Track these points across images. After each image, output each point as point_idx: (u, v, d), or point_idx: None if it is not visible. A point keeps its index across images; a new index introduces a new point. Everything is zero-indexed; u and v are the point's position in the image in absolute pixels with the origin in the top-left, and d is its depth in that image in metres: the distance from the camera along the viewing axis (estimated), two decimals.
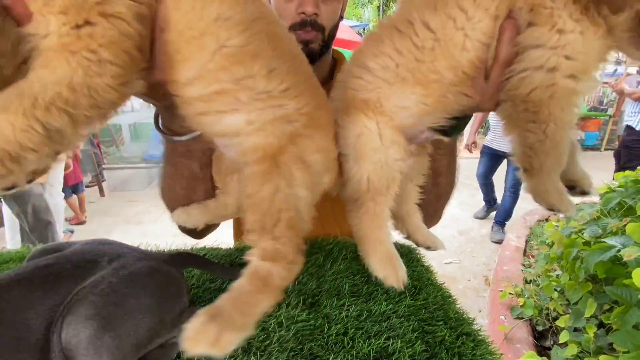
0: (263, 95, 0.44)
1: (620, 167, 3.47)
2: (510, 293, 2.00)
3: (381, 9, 13.61)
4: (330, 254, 0.72)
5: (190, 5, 0.39)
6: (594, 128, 6.78)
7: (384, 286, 0.62)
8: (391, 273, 0.55)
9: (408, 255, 0.73)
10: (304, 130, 0.47)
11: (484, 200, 3.88)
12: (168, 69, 0.41)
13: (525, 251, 2.80)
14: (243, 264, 0.45)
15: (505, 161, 3.32)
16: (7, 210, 2.92)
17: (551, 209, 0.50)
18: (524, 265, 2.54)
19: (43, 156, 0.35)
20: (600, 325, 1.27)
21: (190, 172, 0.63)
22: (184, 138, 0.57)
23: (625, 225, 1.23)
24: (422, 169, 0.66)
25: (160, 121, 0.59)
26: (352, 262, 0.69)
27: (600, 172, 3.51)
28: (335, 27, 0.79)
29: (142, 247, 0.64)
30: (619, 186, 1.53)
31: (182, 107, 0.44)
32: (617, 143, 7.08)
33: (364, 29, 7.58)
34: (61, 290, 0.41)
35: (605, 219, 1.33)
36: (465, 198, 4.34)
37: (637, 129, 3.20)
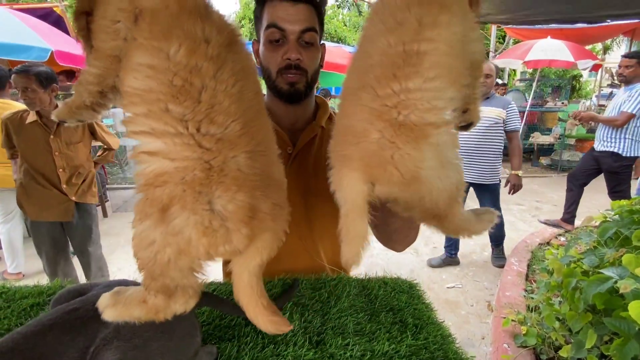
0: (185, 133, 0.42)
1: (610, 192, 3.53)
2: (513, 320, 2.00)
3: None
4: (334, 291, 0.75)
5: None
6: (586, 150, 6.86)
7: (386, 325, 0.65)
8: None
9: (409, 292, 0.76)
10: (181, 182, 0.41)
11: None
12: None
13: (527, 276, 2.80)
14: None
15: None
16: (4, 235, 2.93)
17: (475, 235, 0.53)
18: (526, 290, 2.54)
19: None
20: (602, 355, 1.27)
21: None
22: None
23: (621, 255, 1.26)
24: None
25: None
26: (355, 299, 0.73)
27: (598, 193, 3.51)
28: (316, 72, 0.90)
29: None
30: (616, 214, 1.57)
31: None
32: None
33: None
34: (88, 333, 0.44)
35: (602, 248, 1.36)
36: None
37: (624, 154, 3.28)
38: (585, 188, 3.80)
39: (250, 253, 0.46)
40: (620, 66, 3.38)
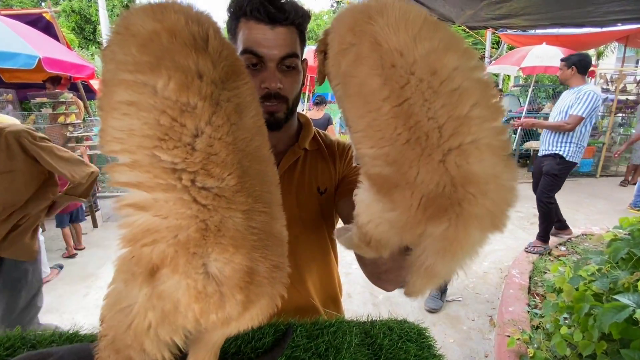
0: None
1: (541, 192, 3.50)
2: (518, 339, 1.92)
3: None
4: (333, 341, 0.66)
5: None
6: (589, 155, 6.86)
7: None
8: None
9: (418, 341, 0.67)
10: (174, 242, 0.36)
11: None
12: None
13: (529, 289, 2.73)
14: (237, 355, 0.40)
15: None
16: None
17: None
18: (529, 305, 2.46)
19: None
20: None
21: None
22: None
23: (637, 280, 1.18)
24: None
25: None
26: (357, 351, 0.64)
27: (597, 199, 3.48)
28: (298, 96, 0.82)
29: None
30: (626, 227, 1.50)
31: None
32: (612, 169, 7.19)
33: None
34: None
35: (614, 271, 1.29)
36: None
37: (567, 159, 3.23)
38: (588, 193, 3.77)
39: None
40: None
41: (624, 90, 7.46)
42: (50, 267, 3.17)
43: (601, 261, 1.38)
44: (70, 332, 0.71)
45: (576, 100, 3.12)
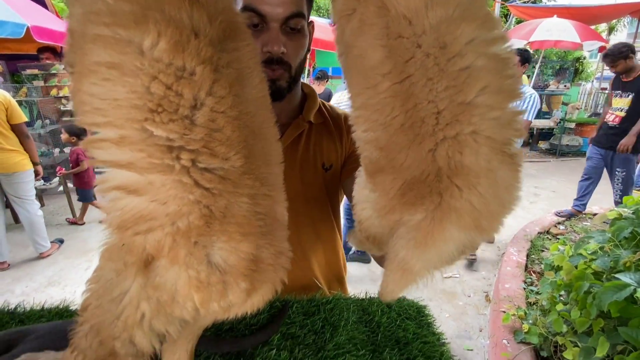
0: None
1: None
2: (513, 315, 1.95)
3: None
4: (329, 318, 0.65)
5: None
6: (593, 134, 6.76)
7: None
8: None
9: (417, 319, 0.65)
10: (173, 229, 0.32)
11: None
12: None
13: (526, 266, 2.75)
14: (231, 332, 0.39)
15: None
16: None
17: None
18: (525, 282, 2.49)
19: None
20: None
21: None
22: None
23: (639, 259, 1.17)
24: None
25: None
26: (354, 329, 0.62)
27: (601, 179, 3.46)
28: (302, 63, 0.75)
29: None
30: (631, 205, 1.47)
31: None
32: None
33: None
34: None
35: (616, 250, 1.27)
36: None
37: None
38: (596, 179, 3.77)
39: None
40: None
41: None
42: (51, 242, 3.18)
43: (603, 240, 1.36)
44: (60, 306, 0.70)
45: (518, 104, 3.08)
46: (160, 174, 0.31)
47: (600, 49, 6.03)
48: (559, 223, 3.52)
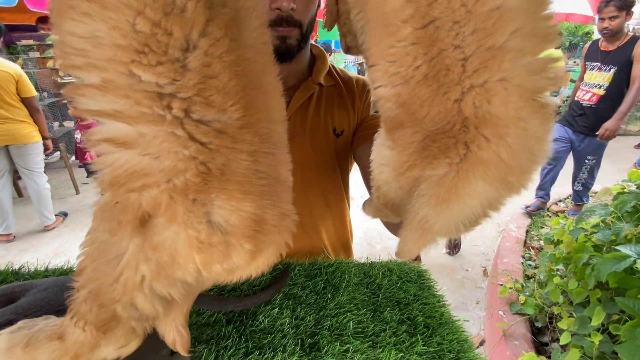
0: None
1: None
2: (510, 288, 1.98)
3: None
4: (331, 280, 0.65)
5: None
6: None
7: (392, 325, 0.55)
8: None
9: (418, 282, 0.66)
10: (169, 186, 0.30)
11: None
12: None
13: (525, 242, 2.77)
14: (234, 292, 0.39)
15: None
16: None
17: None
18: (523, 257, 2.52)
19: None
20: (604, 331, 1.24)
21: None
22: None
23: None
24: None
25: None
26: (355, 290, 0.63)
27: (603, 158, 3.44)
28: (313, 20, 0.71)
29: None
30: (635, 180, 1.46)
31: None
32: (621, 127, 6.98)
33: None
34: None
35: (618, 223, 1.27)
36: None
37: None
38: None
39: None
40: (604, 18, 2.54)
41: None
42: (55, 215, 3.21)
43: (605, 214, 1.36)
44: (65, 267, 0.70)
45: None
46: (151, 125, 0.28)
47: None
48: (559, 200, 3.52)
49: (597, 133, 2.69)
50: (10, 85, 2.55)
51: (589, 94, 2.73)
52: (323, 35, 6.23)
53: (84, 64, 0.29)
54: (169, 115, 0.28)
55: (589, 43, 2.87)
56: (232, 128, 0.31)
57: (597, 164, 2.89)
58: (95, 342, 0.34)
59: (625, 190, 1.41)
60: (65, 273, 0.69)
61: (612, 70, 2.57)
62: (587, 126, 2.76)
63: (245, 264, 0.33)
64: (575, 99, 2.86)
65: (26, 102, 2.68)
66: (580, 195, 3.11)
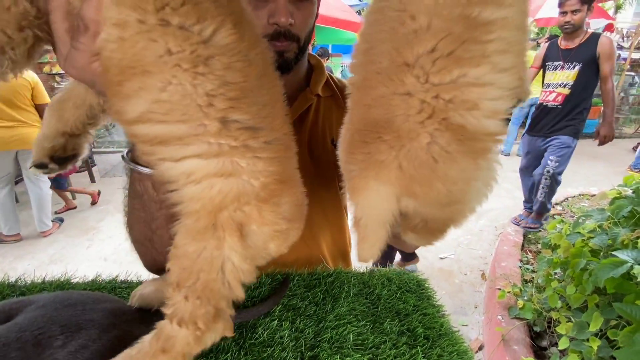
0: (222, 143, 0.35)
1: None
2: (508, 292, 1.99)
3: None
4: (330, 290, 0.65)
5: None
6: (594, 115, 6.69)
7: (392, 336, 0.55)
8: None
9: (417, 292, 0.66)
10: (255, 199, 0.38)
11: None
12: (109, 96, 0.35)
13: (523, 245, 2.78)
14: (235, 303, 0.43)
15: None
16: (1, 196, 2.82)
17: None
18: (521, 261, 2.53)
19: None
20: (602, 336, 1.24)
21: (144, 190, 0.52)
22: (141, 169, 0.46)
23: (637, 237, 1.17)
24: None
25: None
26: (355, 301, 0.62)
27: (598, 160, 3.42)
28: (310, 33, 0.71)
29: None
30: (631, 184, 1.47)
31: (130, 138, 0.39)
32: (617, 130, 7.04)
33: (362, 9, 7.19)
34: None
35: (615, 228, 1.27)
36: None
37: None
38: (592, 155, 3.49)
39: None
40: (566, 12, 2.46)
41: (639, 48, 7.09)
42: (52, 221, 3.19)
43: (602, 218, 1.37)
44: (62, 279, 0.70)
45: None
46: (232, 156, 0.35)
47: (607, 27, 5.88)
48: (556, 203, 3.54)
49: (596, 140, 2.66)
50: (26, 92, 2.66)
51: (554, 94, 2.65)
52: (320, 40, 6.26)
53: (167, 133, 0.34)
54: (253, 143, 0.36)
55: (546, 44, 2.78)
56: (284, 141, 0.40)
57: (560, 169, 2.69)
58: (200, 336, 0.40)
59: (622, 195, 1.42)
60: (62, 284, 0.69)
61: (577, 68, 2.51)
62: (552, 126, 2.69)
63: (294, 240, 0.44)
64: (539, 101, 2.78)
65: (39, 108, 2.76)
66: (541, 208, 2.89)
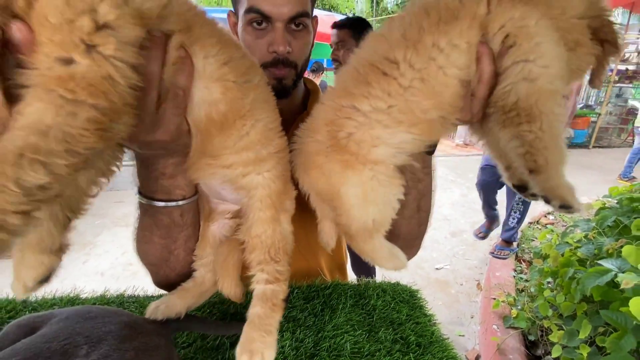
0: (275, 153, 0.54)
1: None
2: (502, 301, 2.02)
3: (374, 0, 13.45)
4: (328, 302, 0.69)
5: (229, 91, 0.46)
6: (584, 126, 6.87)
7: (386, 344, 0.59)
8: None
9: (410, 302, 0.70)
10: (287, 183, 0.57)
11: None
12: (199, 141, 0.48)
13: (516, 255, 2.83)
14: (237, 316, 0.49)
15: None
16: None
17: (563, 206, 0.51)
18: (515, 270, 2.57)
19: (33, 220, 0.30)
20: (591, 344, 1.28)
21: (171, 220, 0.58)
22: (174, 204, 0.55)
23: (621, 246, 1.23)
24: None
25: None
26: (351, 312, 0.66)
27: (589, 170, 3.50)
28: (307, 60, 0.77)
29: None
30: (615, 195, 1.54)
31: (207, 169, 0.51)
32: (606, 140, 7.23)
33: None
34: None
35: (600, 238, 1.33)
36: (457, 198, 4.36)
37: None
38: (581, 164, 3.52)
39: None
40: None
41: (624, 60, 7.33)
42: None
43: (588, 228, 1.42)
44: (72, 295, 0.73)
45: None
46: (273, 169, 0.55)
47: None
48: (548, 213, 3.61)
49: None
50: None
51: None
52: (315, 54, 6.40)
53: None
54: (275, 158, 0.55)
55: None
56: (286, 153, 0.59)
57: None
58: (285, 287, 0.56)
59: (606, 205, 1.49)
60: (72, 299, 0.72)
61: None
62: None
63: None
64: None
65: None
66: (510, 235, 2.89)
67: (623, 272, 1.09)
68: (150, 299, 0.71)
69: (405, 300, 0.70)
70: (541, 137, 0.47)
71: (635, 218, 1.30)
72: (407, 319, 0.65)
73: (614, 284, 1.15)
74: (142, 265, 0.64)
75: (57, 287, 0.74)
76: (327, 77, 6.84)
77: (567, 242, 1.48)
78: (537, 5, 0.44)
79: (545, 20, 0.44)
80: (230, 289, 0.57)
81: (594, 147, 6.94)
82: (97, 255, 3.15)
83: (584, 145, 6.96)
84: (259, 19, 0.66)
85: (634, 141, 5.01)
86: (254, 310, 0.52)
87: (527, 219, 3.46)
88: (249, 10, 0.66)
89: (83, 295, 0.73)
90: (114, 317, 0.48)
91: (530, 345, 1.84)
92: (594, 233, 1.35)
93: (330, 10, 11.78)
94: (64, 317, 0.46)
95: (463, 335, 2.27)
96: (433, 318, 0.67)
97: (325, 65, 6.56)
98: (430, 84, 0.48)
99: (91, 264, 3.01)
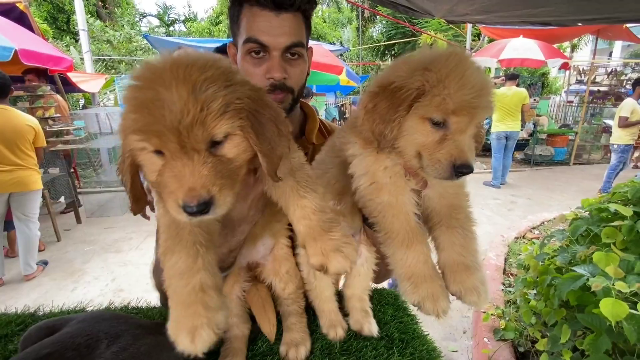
0: None
1: None
2: (492, 314, 2.07)
3: (360, 29, 14.15)
4: None
5: None
6: (563, 144, 7.18)
7: (373, 341, 0.65)
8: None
9: (394, 304, 0.76)
10: None
11: None
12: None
13: (504, 269, 2.90)
14: None
15: None
16: None
17: None
18: (504, 284, 2.63)
19: None
20: (575, 349, 1.34)
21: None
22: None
23: (592, 253, 1.32)
24: None
25: None
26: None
27: (570, 185, 3.64)
28: (303, 86, 0.82)
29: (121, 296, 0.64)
30: (586, 207, 1.65)
31: None
32: (585, 157, 7.56)
33: (341, 54, 7.71)
34: None
35: (573, 246, 1.42)
36: None
37: None
38: (562, 180, 3.70)
39: None
40: None
41: (595, 82, 7.81)
42: (36, 264, 3.13)
43: (563, 238, 1.52)
44: (78, 308, 0.77)
45: None
46: None
47: (563, 65, 6.49)
48: (533, 228, 3.72)
49: None
50: (30, 136, 2.85)
51: None
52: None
53: None
54: None
55: None
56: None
57: None
58: None
59: (579, 216, 1.59)
60: (78, 312, 0.76)
61: None
62: None
63: None
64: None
65: (38, 151, 2.96)
66: None
67: (594, 277, 1.18)
68: (153, 310, 0.76)
69: (390, 302, 0.77)
70: None
71: (604, 227, 1.40)
72: (391, 318, 0.71)
73: (587, 288, 1.23)
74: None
75: (78, 303, 0.78)
76: (317, 102, 7.07)
77: (546, 252, 1.57)
78: None
79: None
80: (270, 330, 0.65)
81: (574, 164, 7.21)
82: (86, 282, 3.09)
83: (564, 163, 7.24)
84: (257, 48, 0.72)
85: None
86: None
87: (513, 234, 3.57)
88: (248, 40, 0.71)
89: (89, 308, 0.77)
90: (126, 320, 0.53)
91: (520, 357, 1.88)
92: (568, 242, 1.44)
93: (318, 40, 12.28)
94: (81, 320, 0.51)
95: (456, 351, 2.28)
96: (415, 318, 0.73)
97: (314, 91, 6.80)
98: None
99: (80, 292, 2.96)
